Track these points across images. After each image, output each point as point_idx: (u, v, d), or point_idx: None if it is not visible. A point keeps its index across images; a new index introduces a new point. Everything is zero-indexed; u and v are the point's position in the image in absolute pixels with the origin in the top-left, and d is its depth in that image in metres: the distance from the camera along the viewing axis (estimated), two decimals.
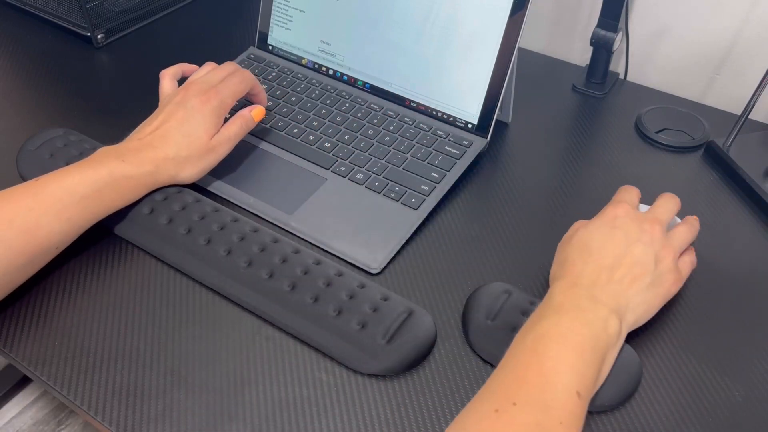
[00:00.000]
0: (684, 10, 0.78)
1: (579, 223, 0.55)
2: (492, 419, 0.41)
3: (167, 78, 0.67)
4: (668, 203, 0.56)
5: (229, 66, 0.67)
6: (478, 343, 0.52)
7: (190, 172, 0.61)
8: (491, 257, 0.60)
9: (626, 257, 0.50)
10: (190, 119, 0.61)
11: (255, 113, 0.65)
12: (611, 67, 0.82)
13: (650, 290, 0.50)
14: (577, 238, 0.53)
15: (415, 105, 0.72)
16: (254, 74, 0.77)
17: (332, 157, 0.67)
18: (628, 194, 0.57)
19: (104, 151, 0.58)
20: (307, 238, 0.60)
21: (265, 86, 0.76)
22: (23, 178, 0.65)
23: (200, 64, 0.81)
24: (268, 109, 0.72)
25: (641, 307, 0.50)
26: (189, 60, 0.83)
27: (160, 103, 0.65)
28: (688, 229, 0.55)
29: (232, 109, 0.65)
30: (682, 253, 0.54)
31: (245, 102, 0.71)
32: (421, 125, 0.71)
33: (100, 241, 0.60)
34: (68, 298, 0.56)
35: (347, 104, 0.73)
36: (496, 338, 0.52)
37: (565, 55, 0.88)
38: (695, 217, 0.57)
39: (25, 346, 0.52)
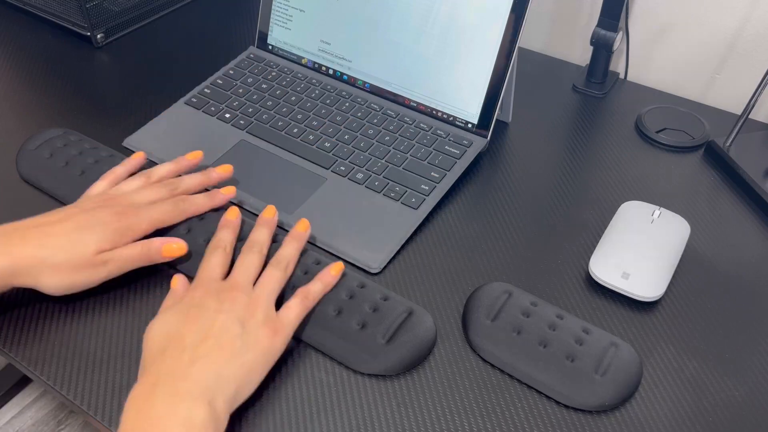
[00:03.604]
0: (684, 9, 0.78)
1: (162, 308, 0.50)
2: None
3: (105, 181, 0.59)
4: (247, 258, 0.52)
5: (168, 186, 0.59)
6: (478, 343, 0.52)
7: (56, 282, 0.51)
8: (491, 257, 0.60)
9: (209, 332, 0.46)
10: (90, 228, 0.52)
11: (166, 248, 0.55)
12: (611, 67, 0.82)
13: (244, 355, 0.45)
14: (153, 331, 0.47)
15: (415, 104, 0.72)
16: (254, 74, 0.77)
17: (332, 157, 0.67)
18: (207, 268, 0.51)
19: None
20: None
21: (265, 86, 0.76)
22: (23, 178, 0.65)
23: (200, 64, 0.81)
24: (267, 109, 0.72)
25: (238, 375, 0.45)
26: (189, 60, 0.83)
27: (81, 197, 0.59)
28: (274, 274, 0.51)
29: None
30: (293, 297, 0.51)
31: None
32: (421, 125, 0.71)
33: None
34: (68, 298, 0.55)
35: (347, 104, 0.73)
36: (496, 338, 0.52)
37: (565, 55, 0.88)
38: (335, 268, 0.54)
39: (25, 346, 0.52)
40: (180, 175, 0.61)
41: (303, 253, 0.56)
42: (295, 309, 0.50)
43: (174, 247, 0.55)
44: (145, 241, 0.55)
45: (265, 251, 0.54)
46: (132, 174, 0.61)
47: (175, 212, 0.57)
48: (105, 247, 0.52)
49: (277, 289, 0.51)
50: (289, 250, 0.54)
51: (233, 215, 0.57)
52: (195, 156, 0.63)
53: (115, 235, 0.53)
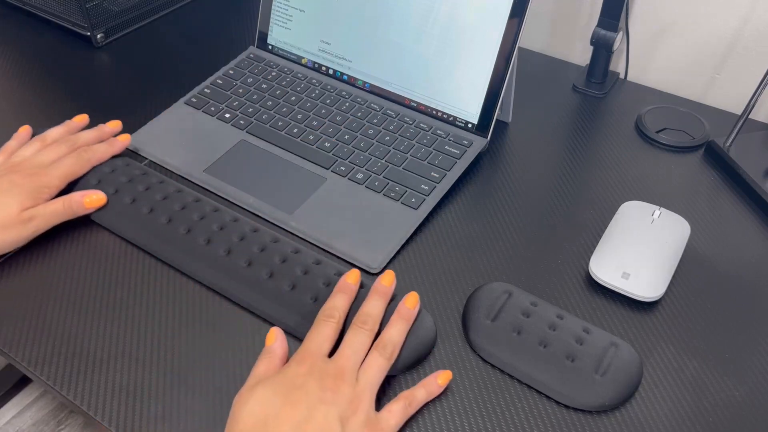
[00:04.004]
0: (684, 9, 0.78)
1: (258, 373, 0.47)
2: None
3: (1, 155, 0.61)
4: (357, 337, 0.48)
5: (66, 143, 0.62)
6: (478, 343, 0.52)
7: None
8: (491, 257, 0.60)
9: (308, 424, 0.43)
10: (7, 192, 0.56)
11: (88, 200, 0.59)
12: (611, 67, 0.82)
13: None
14: (250, 406, 0.44)
15: (415, 104, 0.72)
16: (254, 74, 0.77)
17: (332, 157, 0.67)
18: (316, 340, 0.48)
19: None
20: (307, 238, 0.60)
21: (265, 86, 0.76)
22: None
23: (200, 64, 0.81)
24: (267, 109, 0.72)
25: None
26: (189, 60, 0.83)
27: None
28: (379, 362, 0.47)
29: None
30: (396, 400, 0.47)
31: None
32: (421, 125, 0.71)
33: (99, 241, 0.60)
34: (68, 298, 0.56)
35: (347, 104, 0.73)
36: (496, 338, 0.52)
37: (565, 55, 0.88)
38: (443, 377, 0.49)
39: (25, 346, 0.52)
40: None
41: (298, 251, 0.57)
42: (398, 415, 0.46)
43: (94, 198, 0.59)
44: (66, 196, 0.59)
45: (376, 328, 0.49)
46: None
47: (80, 163, 0.61)
48: (27, 205, 0.56)
49: (381, 379, 0.47)
50: (395, 333, 0.49)
51: (353, 279, 0.52)
52: (81, 118, 0.67)
53: (33, 194, 0.57)
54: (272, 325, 0.54)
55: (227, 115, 0.72)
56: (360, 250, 0.59)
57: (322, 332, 0.49)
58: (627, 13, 0.79)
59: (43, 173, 0.58)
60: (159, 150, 0.68)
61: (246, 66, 0.79)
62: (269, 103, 0.74)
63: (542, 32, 0.89)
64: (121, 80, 0.80)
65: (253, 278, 0.55)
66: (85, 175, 0.62)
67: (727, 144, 0.70)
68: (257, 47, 0.82)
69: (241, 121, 0.71)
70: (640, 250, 0.58)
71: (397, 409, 0.47)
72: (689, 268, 0.59)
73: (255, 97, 0.74)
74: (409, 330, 0.51)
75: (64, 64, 0.82)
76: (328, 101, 0.74)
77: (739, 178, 0.67)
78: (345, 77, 0.76)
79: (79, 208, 0.59)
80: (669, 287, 0.57)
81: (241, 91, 0.75)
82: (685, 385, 0.51)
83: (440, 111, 0.71)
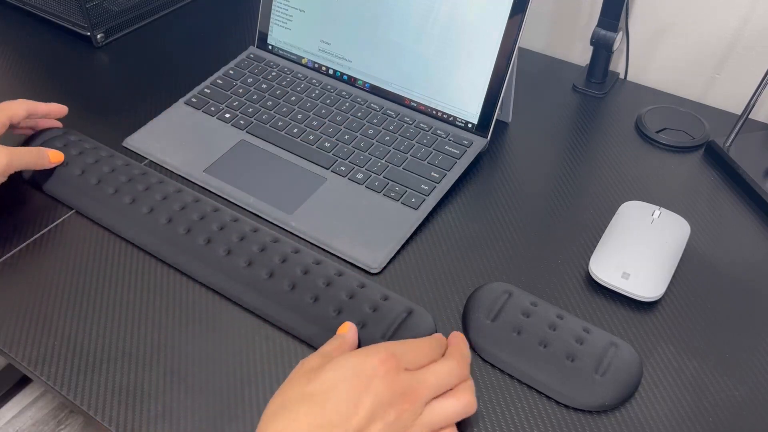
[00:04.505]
0: (684, 9, 0.78)
1: (328, 350, 0.46)
2: None
3: None
4: (448, 368, 0.45)
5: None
6: (478, 343, 0.52)
7: None
8: (491, 257, 0.60)
9: (356, 428, 0.40)
10: None
11: (53, 154, 0.64)
12: (611, 67, 0.82)
13: None
14: (320, 380, 0.42)
15: (415, 104, 0.72)
16: (254, 74, 0.77)
17: (332, 157, 0.67)
18: (418, 353, 0.45)
19: None
20: (307, 238, 0.60)
21: (265, 86, 0.76)
22: (23, 178, 0.65)
23: (200, 64, 0.81)
24: (267, 109, 0.72)
25: None
26: (189, 60, 0.83)
27: None
28: (454, 405, 0.44)
29: None
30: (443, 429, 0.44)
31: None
32: (421, 125, 0.71)
33: (99, 240, 0.60)
34: (68, 298, 0.56)
35: (347, 104, 0.73)
36: (496, 338, 0.52)
37: (565, 55, 0.88)
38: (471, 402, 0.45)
39: (25, 346, 0.52)
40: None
41: (298, 251, 0.57)
42: None
43: (58, 153, 0.64)
44: (39, 147, 0.63)
45: (467, 370, 0.46)
46: None
47: (25, 104, 0.64)
48: None
49: (447, 423, 0.44)
50: (472, 403, 0.45)
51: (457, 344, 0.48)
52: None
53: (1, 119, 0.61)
54: (272, 325, 0.54)
55: (227, 115, 0.72)
56: (360, 250, 0.59)
57: (427, 352, 0.45)
58: (627, 13, 0.79)
59: (3, 107, 0.62)
60: (159, 150, 0.68)
61: (246, 66, 0.79)
62: (269, 103, 0.74)
63: (542, 32, 0.89)
64: (121, 80, 0.80)
65: (253, 278, 0.55)
66: (82, 173, 0.62)
67: (727, 144, 0.70)
68: (257, 47, 0.82)
69: (241, 121, 0.71)
70: (640, 250, 0.58)
71: None
72: (689, 268, 0.59)
73: (255, 97, 0.74)
74: (409, 331, 0.51)
75: (64, 64, 0.82)
76: (328, 101, 0.74)
77: (739, 178, 0.67)
78: (345, 77, 0.76)
79: (45, 161, 0.63)
80: (669, 287, 0.57)
81: (241, 91, 0.75)
82: (685, 385, 0.51)
83: (440, 111, 0.71)
